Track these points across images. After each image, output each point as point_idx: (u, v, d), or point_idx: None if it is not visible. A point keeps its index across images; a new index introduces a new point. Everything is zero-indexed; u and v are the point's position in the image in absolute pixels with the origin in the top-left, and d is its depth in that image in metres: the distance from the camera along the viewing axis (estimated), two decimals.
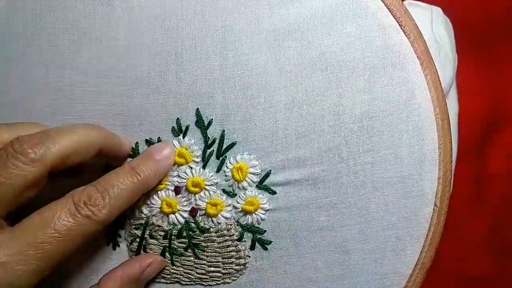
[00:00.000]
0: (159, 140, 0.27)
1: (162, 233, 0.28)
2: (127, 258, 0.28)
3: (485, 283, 0.43)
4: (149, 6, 0.26)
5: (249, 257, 0.28)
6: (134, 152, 0.27)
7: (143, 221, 0.28)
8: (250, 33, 0.26)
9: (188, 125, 0.27)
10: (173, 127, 0.27)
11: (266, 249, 0.28)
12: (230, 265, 0.28)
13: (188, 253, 0.28)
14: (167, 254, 0.28)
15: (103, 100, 0.27)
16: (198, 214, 0.27)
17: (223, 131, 0.27)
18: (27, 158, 0.21)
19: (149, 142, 0.27)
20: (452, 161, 0.28)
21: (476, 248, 0.43)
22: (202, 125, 0.27)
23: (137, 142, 0.27)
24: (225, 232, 0.28)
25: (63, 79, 0.27)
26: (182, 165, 0.27)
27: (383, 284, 0.28)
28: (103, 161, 0.27)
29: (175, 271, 0.28)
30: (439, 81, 0.27)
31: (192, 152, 0.27)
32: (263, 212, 0.27)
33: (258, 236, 0.28)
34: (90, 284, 0.26)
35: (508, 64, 0.42)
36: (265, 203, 0.27)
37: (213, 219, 0.27)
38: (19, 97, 0.27)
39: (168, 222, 0.28)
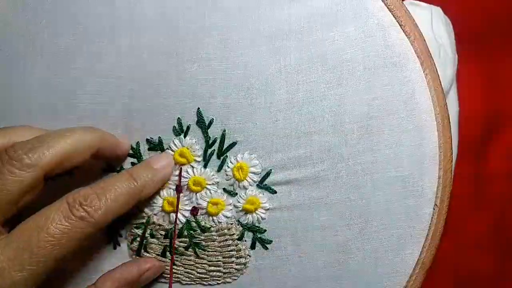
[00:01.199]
0: (160, 140, 0.27)
1: (163, 232, 0.28)
2: (128, 257, 0.28)
3: (485, 283, 0.43)
4: (151, 6, 0.27)
5: (250, 256, 0.28)
6: (135, 152, 0.27)
7: (144, 220, 0.28)
8: (251, 33, 0.27)
9: (189, 124, 0.27)
10: (174, 127, 0.27)
11: (266, 248, 0.28)
12: (231, 264, 0.28)
13: (189, 253, 0.28)
14: (167, 253, 0.28)
15: (104, 99, 0.27)
16: (199, 213, 0.27)
17: (224, 130, 0.27)
18: (22, 163, 0.21)
19: (149, 142, 0.27)
20: (452, 160, 0.28)
21: (476, 248, 0.43)
22: (203, 124, 0.27)
23: (138, 142, 0.27)
24: (226, 231, 0.28)
25: (63, 78, 0.27)
26: (183, 164, 0.27)
27: (384, 284, 0.28)
28: (102, 162, 0.27)
29: (175, 271, 0.28)
30: (439, 80, 0.27)
31: (193, 151, 0.27)
32: (264, 211, 0.27)
33: (259, 235, 0.28)
34: (90, 283, 0.26)
35: (508, 64, 0.42)
36: (265, 203, 0.27)
37: (214, 218, 0.27)
38: (20, 97, 0.27)
39: (169, 221, 0.28)
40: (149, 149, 0.27)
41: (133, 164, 0.27)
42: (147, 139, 0.27)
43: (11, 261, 0.20)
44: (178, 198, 0.27)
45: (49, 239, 0.21)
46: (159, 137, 0.27)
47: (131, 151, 0.27)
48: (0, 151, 0.22)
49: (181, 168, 0.27)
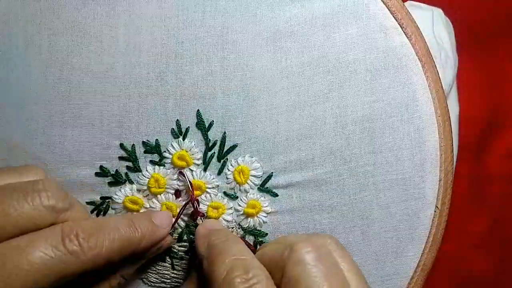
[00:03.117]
0: (157, 143, 0.27)
1: None
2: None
3: (485, 283, 0.43)
4: (149, 6, 0.26)
5: None
6: (130, 155, 0.27)
7: None
8: (251, 34, 0.26)
9: (188, 127, 0.27)
10: (172, 129, 0.27)
11: None
12: None
13: (189, 257, 0.28)
14: (167, 258, 0.28)
15: (100, 100, 0.26)
16: (199, 218, 0.27)
17: (224, 133, 0.27)
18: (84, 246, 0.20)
19: (146, 144, 0.27)
20: (453, 163, 0.28)
21: (476, 248, 0.43)
22: (203, 127, 0.27)
23: (133, 144, 0.27)
24: None
25: (61, 79, 0.26)
26: (182, 167, 0.27)
27: (385, 286, 0.28)
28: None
29: (175, 275, 0.28)
30: (440, 82, 0.27)
31: (192, 154, 0.27)
32: (265, 215, 0.27)
33: (260, 239, 0.27)
34: None
35: (508, 64, 0.42)
36: (267, 206, 0.27)
37: None
38: (19, 97, 0.26)
39: None
40: (145, 152, 0.27)
41: (128, 167, 0.27)
42: (143, 142, 0.27)
43: None
44: (192, 206, 0.26)
45: (25, 267, 0.18)
46: (156, 139, 0.27)
47: (125, 154, 0.27)
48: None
49: (183, 172, 0.27)
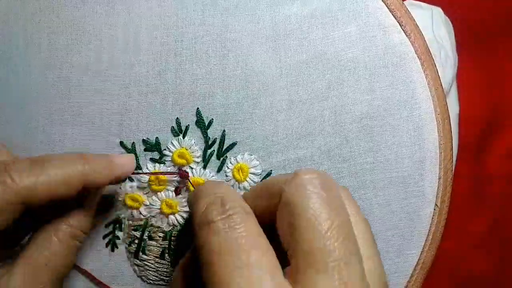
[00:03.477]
0: (157, 141, 0.27)
1: (162, 235, 0.28)
2: (126, 260, 0.28)
3: (485, 283, 0.43)
4: (149, 5, 0.26)
5: None
6: (130, 153, 0.27)
7: (142, 222, 0.27)
8: (251, 32, 0.26)
9: (188, 125, 0.27)
10: (172, 127, 0.27)
11: None
12: None
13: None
14: (166, 255, 0.28)
15: (100, 98, 0.26)
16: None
17: (224, 131, 0.27)
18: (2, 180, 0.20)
19: (146, 142, 0.27)
20: (452, 161, 0.28)
21: (476, 248, 0.43)
22: (202, 125, 0.27)
23: (133, 142, 0.27)
24: None
25: (60, 77, 0.26)
26: (183, 165, 0.27)
27: None
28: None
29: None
30: (440, 81, 0.27)
31: (192, 152, 0.27)
32: None
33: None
34: (89, 286, 0.25)
35: (508, 64, 0.43)
36: None
37: None
38: (19, 96, 0.26)
39: (167, 223, 0.27)
40: (145, 150, 0.27)
41: None
42: (143, 140, 0.27)
43: None
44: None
45: None
46: (156, 137, 0.27)
47: (125, 152, 0.27)
48: None
49: (184, 170, 0.27)
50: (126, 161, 0.24)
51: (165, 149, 0.27)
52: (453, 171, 0.28)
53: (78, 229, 0.23)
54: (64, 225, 0.23)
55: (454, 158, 0.33)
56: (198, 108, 0.27)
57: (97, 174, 0.22)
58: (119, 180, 0.24)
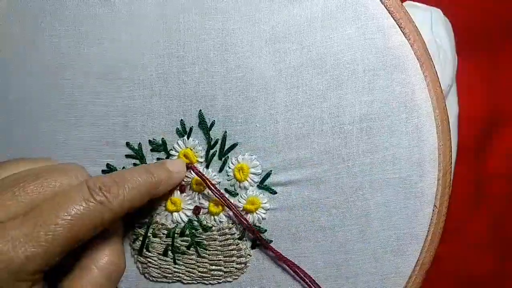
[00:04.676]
0: (163, 141, 0.27)
1: (165, 232, 0.28)
2: (129, 257, 0.28)
3: (485, 283, 0.43)
4: (151, 8, 0.27)
5: (250, 256, 0.28)
6: (137, 153, 0.27)
7: (146, 220, 0.28)
8: (251, 35, 0.27)
9: (192, 126, 0.27)
10: (177, 129, 0.27)
11: (266, 248, 0.28)
12: (231, 263, 0.28)
13: (191, 252, 0.28)
14: (169, 252, 0.28)
15: (104, 101, 0.27)
16: (201, 213, 0.28)
17: (225, 132, 0.27)
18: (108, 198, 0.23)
19: (152, 143, 0.27)
20: (452, 162, 0.28)
21: (476, 248, 0.43)
22: (205, 126, 0.27)
23: (139, 143, 0.27)
24: (227, 230, 0.28)
25: (63, 80, 0.27)
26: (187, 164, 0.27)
27: (383, 285, 0.28)
28: None
29: (177, 270, 0.28)
30: (439, 82, 0.27)
31: (196, 152, 0.27)
32: (264, 211, 0.28)
33: (259, 235, 0.28)
34: None
35: (508, 64, 0.42)
36: (265, 203, 0.28)
37: (215, 217, 0.28)
38: (20, 98, 0.27)
39: (171, 221, 0.28)
40: (151, 150, 0.27)
41: (135, 165, 0.27)
42: (149, 140, 0.27)
43: (26, 236, 0.20)
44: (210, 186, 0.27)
45: (67, 218, 0.21)
46: (162, 138, 0.27)
47: (132, 153, 0.27)
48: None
49: (194, 167, 0.27)
50: (180, 168, 0.27)
51: (171, 149, 0.27)
52: (452, 172, 0.28)
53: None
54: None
55: (454, 159, 0.33)
56: (200, 111, 0.27)
57: (162, 186, 0.25)
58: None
